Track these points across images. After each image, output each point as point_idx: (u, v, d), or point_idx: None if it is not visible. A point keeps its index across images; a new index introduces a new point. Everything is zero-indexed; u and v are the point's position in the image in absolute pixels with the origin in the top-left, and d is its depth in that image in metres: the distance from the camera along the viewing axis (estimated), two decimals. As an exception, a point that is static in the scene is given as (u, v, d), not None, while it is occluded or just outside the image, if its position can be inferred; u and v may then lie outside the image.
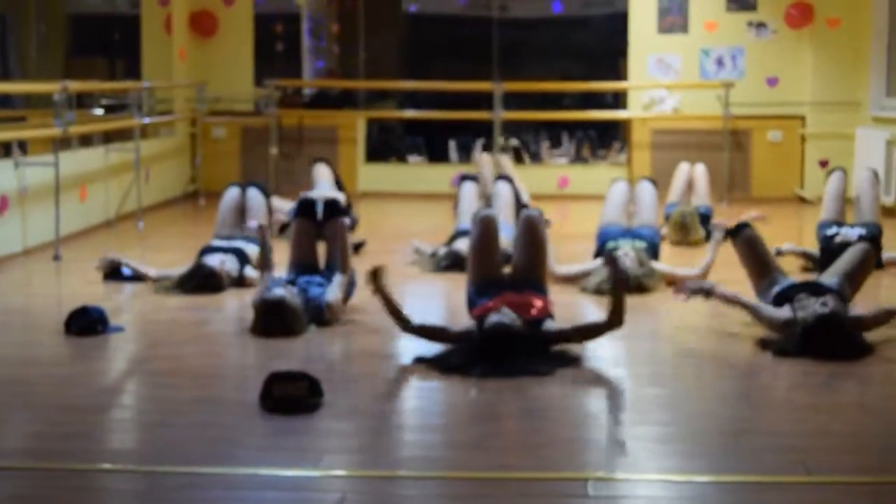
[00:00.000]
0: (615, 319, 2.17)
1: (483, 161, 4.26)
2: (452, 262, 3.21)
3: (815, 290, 2.38)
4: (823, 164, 4.87)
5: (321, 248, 2.76)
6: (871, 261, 2.56)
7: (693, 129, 5.20)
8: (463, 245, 3.06)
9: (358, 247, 3.51)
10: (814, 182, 5.00)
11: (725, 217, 3.86)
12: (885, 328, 2.40)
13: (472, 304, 2.34)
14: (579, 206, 4.87)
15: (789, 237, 3.42)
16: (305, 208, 2.76)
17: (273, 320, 2.44)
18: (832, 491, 1.56)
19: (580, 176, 5.36)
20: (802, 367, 2.20)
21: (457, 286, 2.59)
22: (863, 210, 3.35)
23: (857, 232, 3.20)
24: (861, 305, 2.42)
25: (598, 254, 3.14)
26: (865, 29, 5.00)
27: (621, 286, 2.19)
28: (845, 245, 2.88)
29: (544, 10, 6.13)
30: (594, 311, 2.56)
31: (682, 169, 4.18)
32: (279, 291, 2.46)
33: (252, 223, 3.03)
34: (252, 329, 2.48)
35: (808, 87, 5.14)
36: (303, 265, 2.69)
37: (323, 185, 3.87)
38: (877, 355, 2.27)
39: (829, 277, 2.48)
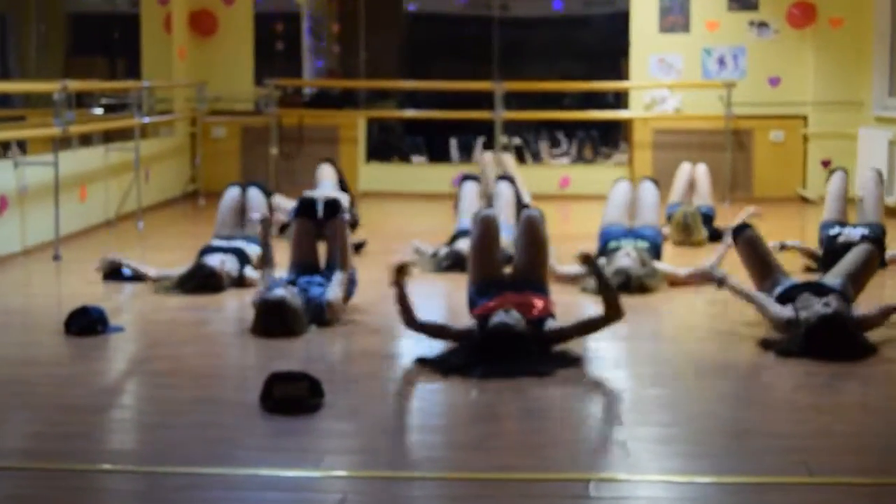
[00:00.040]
0: (612, 314, 2.17)
1: (485, 160, 4.26)
2: (453, 262, 3.21)
3: (818, 290, 2.38)
4: (826, 163, 4.87)
5: (322, 248, 2.75)
6: (875, 261, 2.55)
7: (695, 129, 5.19)
8: (464, 245, 3.06)
9: (358, 247, 3.51)
10: (816, 182, 4.99)
11: (727, 217, 3.91)
12: (889, 329, 2.40)
13: (472, 304, 2.34)
14: (581, 206, 4.87)
15: (791, 237, 3.38)
16: (306, 208, 2.75)
17: (273, 321, 2.43)
18: (834, 492, 1.56)
19: (581, 176, 5.35)
20: (805, 367, 2.19)
21: (458, 286, 2.59)
22: (866, 210, 3.34)
23: (859, 232, 3.19)
24: (864, 305, 2.41)
25: (600, 254, 3.14)
26: (868, 29, 4.99)
27: (600, 280, 2.18)
28: (848, 245, 2.88)
29: (545, 10, 6.12)
30: (595, 310, 2.55)
31: (684, 169, 4.18)
32: (280, 292, 2.46)
33: (255, 214, 3.01)
34: (252, 329, 2.48)
35: (810, 86, 5.13)
36: (303, 265, 2.69)
37: (325, 186, 3.87)
38: (879, 356, 2.26)
39: (833, 278, 2.47)
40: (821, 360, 2.20)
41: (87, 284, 3.07)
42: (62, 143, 3.81)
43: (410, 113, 5.81)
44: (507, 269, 2.47)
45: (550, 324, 2.23)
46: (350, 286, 2.67)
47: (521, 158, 5.36)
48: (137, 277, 3.09)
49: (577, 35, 6.04)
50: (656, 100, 5.27)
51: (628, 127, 5.40)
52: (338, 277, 2.59)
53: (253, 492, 1.57)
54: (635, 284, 2.89)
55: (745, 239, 2.57)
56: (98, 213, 4.17)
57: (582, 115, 5.55)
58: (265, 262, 2.65)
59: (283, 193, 4.14)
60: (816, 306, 2.28)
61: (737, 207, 4.29)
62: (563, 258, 3.12)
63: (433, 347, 2.26)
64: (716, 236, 3.76)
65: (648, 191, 3.40)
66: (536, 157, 5.71)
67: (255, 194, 3.31)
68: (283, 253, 2.82)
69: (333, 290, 2.56)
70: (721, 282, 2.44)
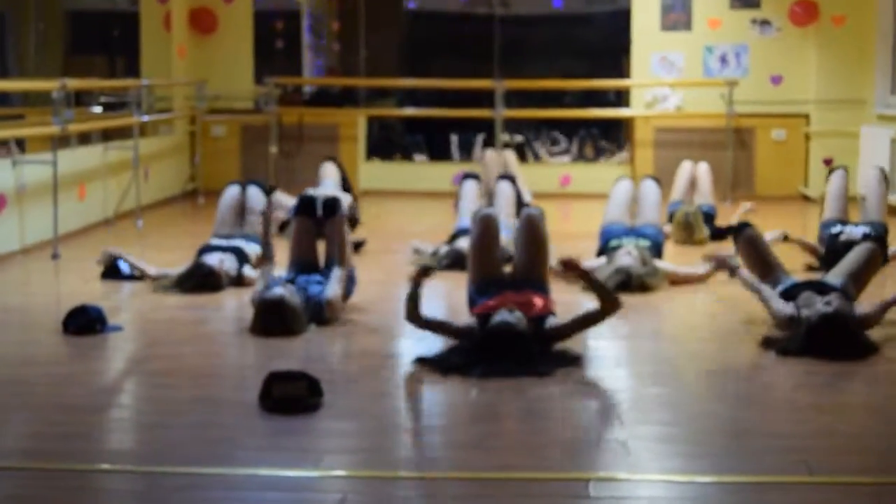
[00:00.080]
0: (609, 306, 2.16)
1: (487, 158, 4.23)
2: (453, 261, 3.20)
3: (820, 289, 2.37)
4: (828, 162, 4.85)
5: (321, 247, 2.74)
6: (878, 260, 2.54)
7: (696, 127, 5.18)
8: (464, 244, 3.06)
9: (358, 245, 3.50)
10: (818, 181, 4.97)
11: (728, 216, 3.89)
12: (890, 328, 2.40)
13: (472, 303, 2.34)
14: (581, 204, 4.86)
15: (794, 236, 3.38)
16: (305, 206, 2.74)
17: (273, 320, 2.43)
18: (834, 491, 1.55)
19: (582, 174, 5.34)
20: (805, 366, 2.19)
21: (458, 285, 2.58)
22: (869, 208, 3.33)
23: (861, 230, 3.18)
24: (864, 304, 2.40)
25: (601, 252, 3.13)
26: (870, 27, 4.97)
27: (587, 279, 2.17)
28: (850, 244, 2.87)
29: (546, 7, 6.11)
30: (593, 305, 2.53)
31: (685, 167, 4.17)
32: (279, 291, 2.45)
33: (254, 207, 2.99)
34: (251, 328, 2.47)
35: (812, 85, 5.12)
36: (302, 263, 2.68)
37: (327, 185, 3.85)
38: (881, 355, 2.26)
39: (834, 277, 2.47)
40: (822, 360, 2.20)
41: (85, 283, 3.07)
42: (61, 141, 3.80)
43: (410, 111, 5.81)
44: (508, 269, 2.46)
45: (551, 322, 2.22)
46: (349, 285, 2.66)
47: (522, 156, 5.34)
48: (136, 276, 3.08)
49: (578, 33, 6.02)
50: (658, 98, 5.26)
51: (630, 125, 5.39)
52: (336, 274, 2.58)
53: (252, 492, 1.56)
54: (636, 283, 2.88)
55: (746, 238, 2.57)
56: (97, 211, 4.16)
57: (583, 114, 5.54)
58: (265, 258, 2.65)
59: (283, 192, 4.15)
60: (818, 305, 2.28)
61: (738, 206, 4.28)
62: (563, 256, 3.13)
63: (432, 347, 2.26)
64: (717, 235, 3.76)
65: (650, 189, 3.40)
66: (538, 156, 5.70)
67: (254, 193, 3.30)
68: (282, 252, 2.82)
69: (332, 288, 2.54)
70: (733, 271, 2.43)
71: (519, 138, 5.59)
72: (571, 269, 2.19)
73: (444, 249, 3.34)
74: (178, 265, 3.03)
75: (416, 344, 2.32)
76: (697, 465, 1.65)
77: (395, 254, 3.57)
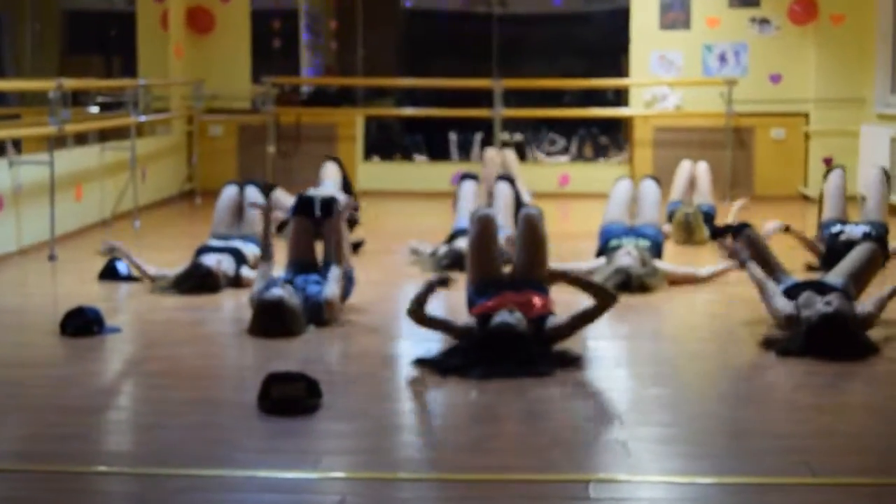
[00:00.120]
0: (604, 303, 2.16)
1: (488, 157, 4.22)
2: (453, 262, 3.19)
3: (820, 288, 2.37)
4: (827, 161, 4.84)
5: (319, 247, 2.74)
6: (878, 260, 2.54)
7: (695, 126, 5.17)
8: (463, 244, 3.04)
9: (357, 246, 3.49)
10: (818, 180, 4.92)
11: (726, 215, 3.87)
12: (891, 328, 2.39)
13: (471, 304, 2.33)
14: (580, 204, 4.85)
15: (791, 238, 3.36)
16: (304, 206, 2.73)
17: (271, 321, 2.42)
18: (835, 492, 1.55)
19: (581, 174, 5.33)
20: (806, 367, 2.18)
21: (457, 285, 2.55)
22: (869, 208, 3.32)
23: (861, 230, 3.17)
24: (865, 302, 2.38)
25: (600, 252, 3.13)
26: (870, 25, 4.97)
27: (577, 284, 2.18)
28: (850, 243, 2.87)
29: (544, 6, 6.10)
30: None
31: (684, 167, 4.16)
32: (277, 291, 2.44)
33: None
34: (250, 329, 2.46)
35: (811, 84, 5.11)
36: (301, 263, 2.67)
37: (327, 185, 3.83)
38: (881, 355, 2.25)
39: (835, 277, 2.46)
40: (822, 360, 2.19)
41: (82, 284, 3.06)
42: (58, 141, 3.78)
43: (409, 111, 5.80)
44: (507, 269, 2.46)
45: (551, 321, 2.22)
46: (348, 285, 2.64)
47: (521, 155, 5.32)
48: (133, 278, 3.07)
49: (577, 32, 6.02)
50: (657, 97, 5.25)
51: (629, 124, 5.38)
52: (334, 273, 2.56)
53: (251, 493, 1.56)
54: (636, 283, 2.88)
55: (745, 239, 2.56)
56: (94, 212, 4.15)
57: (582, 113, 5.53)
58: (265, 257, 2.63)
59: (283, 191, 4.13)
60: (818, 305, 2.27)
61: (742, 209, 4.27)
62: (563, 256, 3.12)
63: (432, 349, 2.25)
64: (717, 235, 3.77)
65: (650, 189, 3.39)
66: (535, 157, 5.69)
67: (252, 193, 3.29)
68: (280, 252, 2.80)
69: (330, 288, 2.53)
70: (744, 263, 2.43)
71: (519, 137, 5.57)
72: (558, 280, 2.19)
73: (442, 249, 3.33)
74: (175, 266, 3.02)
75: (416, 345, 2.31)
76: (698, 466, 1.64)
77: (393, 254, 3.56)
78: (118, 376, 2.29)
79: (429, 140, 5.75)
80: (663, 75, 5.21)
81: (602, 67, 5.51)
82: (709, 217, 3.88)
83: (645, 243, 3.08)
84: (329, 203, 2.72)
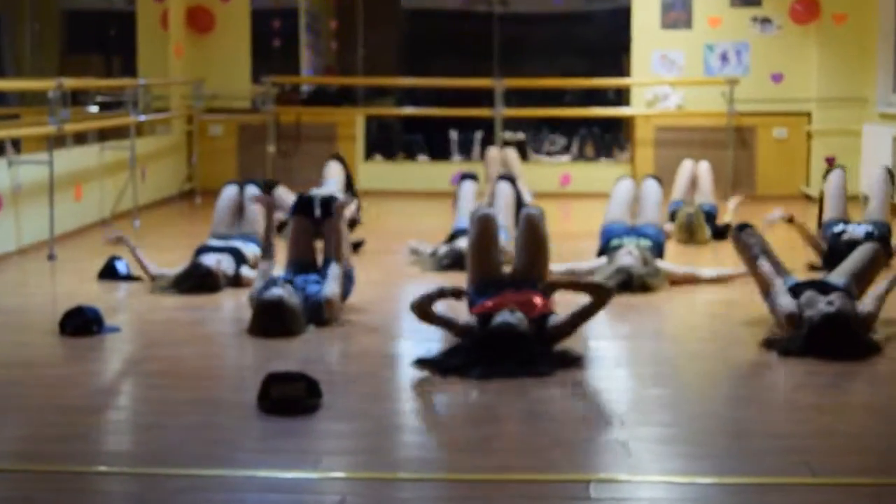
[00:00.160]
0: (599, 299, 2.16)
1: (490, 157, 4.20)
2: (453, 261, 3.19)
3: (823, 288, 2.36)
4: (829, 160, 4.83)
5: (319, 246, 2.73)
6: (881, 260, 2.53)
7: (697, 126, 5.16)
8: (464, 244, 3.03)
9: (357, 246, 3.48)
10: (820, 180, 4.91)
11: (727, 216, 3.86)
12: (891, 328, 2.38)
13: (471, 304, 2.32)
14: (581, 204, 4.84)
15: (794, 236, 3.35)
16: (303, 205, 2.73)
17: (271, 320, 2.41)
18: (836, 492, 1.55)
19: (582, 174, 5.32)
20: (807, 367, 2.18)
21: (457, 285, 2.55)
22: (873, 207, 3.31)
23: (864, 229, 3.16)
24: (866, 300, 2.37)
25: (601, 252, 3.12)
26: (872, 24, 4.95)
27: (572, 287, 2.18)
28: (853, 243, 2.86)
29: (545, 5, 6.09)
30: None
31: (686, 166, 4.15)
32: (277, 291, 2.44)
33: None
34: (250, 329, 2.46)
35: (813, 83, 5.10)
36: (300, 263, 2.67)
37: (330, 185, 3.82)
38: (882, 355, 2.25)
39: (837, 276, 2.45)
40: (823, 360, 2.19)
41: (82, 284, 3.06)
42: (57, 141, 3.78)
43: (409, 110, 5.79)
44: (507, 268, 2.45)
45: (552, 320, 2.21)
46: (347, 284, 2.64)
47: (523, 154, 5.31)
48: (133, 277, 3.07)
49: (578, 31, 6.01)
50: (658, 97, 5.24)
51: (630, 124, 5.37)
52: (333, 272, 2.55)
53: (250, 493, 1.55)
54: (637, 283, 2.87)
55: (745, 238, 2.55)
56: (93, 212, 4.15)
57: (583, 113, 5.52)
58: (266, 253, 2.62)
59: (285, 188, 4.09)
60: (820, 305, 2.26)
61: (739, 205, 4.27)
62: (564, 256, 3.11)
63: (432, 349, 2.25)
64: (719, 234, 3.75)
65: (651, 189, 3.38)
66: (537, 154, 5.68)
67: (252, 193, 3.28)
68: (280, 252, 2.80)
69: (330, 286, 2.53)
70: (756, 258, 2.43)
71: (521, 135, 5.57)
72: (556, 289, 2.19)
73: (442, 249, 3.33)
74: (175, 265, 3.02)
75: (416, 345, 2.31)
76: (698, 466, 1.64)
77: (393, 254, 3.55)
78: (118, 376, 2.29)
79: (429, 139, 5.74)
80: (665, 75, 5.20)
81: (603, 67, 5.50)
82: (710, 217, 3.87)
83: (646, 243, 3.07)
84: (328, 202, 2.71)
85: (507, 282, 2.33)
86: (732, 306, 2.73)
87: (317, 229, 2.74)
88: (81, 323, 2.44)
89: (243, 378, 2.13)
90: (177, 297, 2.86)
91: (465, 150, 5.64)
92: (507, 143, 5.04)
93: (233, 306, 2.79)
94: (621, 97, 5.56)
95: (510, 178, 3.60)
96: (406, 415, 1.97)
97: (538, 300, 2.24)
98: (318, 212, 2.72)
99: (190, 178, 5.18)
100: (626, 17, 5.23)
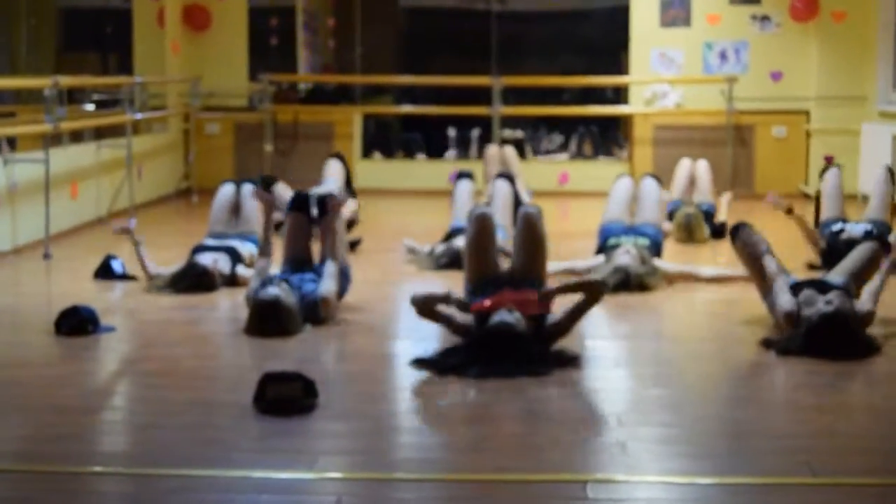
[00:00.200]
0: (592, 296, 2.15)
1: (490, 155, 4.20)
2: (451, 260, 3.18)
3: (821, 287, 2.35)
4: (829, 159, 4.82)
5: (315, 245, 2.72)
6: (880, 259, 2.52)
7: (696, 124, 5.14)
8: (461, 242, 3.03)
9: (354, 245, 3.47)
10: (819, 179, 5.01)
11: (726, 214, 3.87)
12: (891, 328, 2.37)
13: (469, 303, 2.30)
14: (580, 202, 4.83)
15: (792, 235, 3.35)
16: (299, 203, 2.71)
17: (267, 320, 2.40)
18: (837, 493, 1.54)
19: (581, 172, 5.31)
20: (807, 367, 2.17)
21: (455, 284, 2.55)
22: (872, 206, 3.31)
23: (862, 228, 3.16)
24: (864, 299, 2.35)
25: (599, 250, 3.11)
26: (872, 22, 4.94)
27: (565, 291, 2.17)
28: (851, 242, 2.85)
29: (544, 3, 6.08)
30: (595, 307, 2.53)
31: (684, 165, 4.15)
32: (273, 290, 2.43)
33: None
34: (246, 329, 2.44)
35: (813, 81, 5.09)
36: (296, 260, 2.66)
37: (329, 183, 3.81)
38: (882, 355, 2.24)
39: (836, 276, 2.45)
40: (823, 360, 2.18)
41: (77, 283, 3.04)
42: (53, 139, 3.75)
43: (407, 108, 5.77)
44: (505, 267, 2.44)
45: (551, 318, 2.21)
46: (344, 281, 2.62)
47: (521, 153, 5.28)
48: (128, 276, 3.05)
49: (577, 29, 5.99)
50: (657, 95, 5.22)
51: (628, 122, 5.36)
52: (329, 269, 2.54)
53: (246, 494, 1.54)
54: (635, 282, 2.86)
55: (743, 238, 2.54)
56: (90, 210, 4.13)
57: (581, 111, 5.51)
58: (264, 250, 2.61)
59: (286, 186, 4.05)
60: (819, 304, 2.26)
61: (739, 204, 4.26)
62: (562, 255, 3.09)
63: (429, 348, 2.24)
64: (717, 233, 3.74)
65: (650, 188, 3.37)
66: (536, 153, 5.65)
67: (249, 191, 3.27)
68: (277, 250, 2.78)
69: (326, 285, 2.51)
70: (762, 256, 2.41)
71: (519, 134, 5.55)
72: (551, 297, 2.19)
73: (440, 248, 3.31)
74: (171, 264, 3.01)
75: (413, 345, 2.30)
76: (698, 467, 1.63)
77: (390, 253, 3.54)
78: (113, 376, 2.28)
79: (427, 138, 5.73)
80: (663, 73, 5.18)
81: (602, 65, 5.49)
82: (709, 216, 3.86)
83: (644, 242, 3.06)
84: (325, 200, 2.70)
85: (504, 281, 2.32)
86: (732, 306, 2.73)
87: (313, 227, 2.72)
88: (77, 322, 2.43)
89: (239, 378, 2.11)
90: (173, 296, 2.85)
91: (463, 148, 5.62)
92: (505, 142, 5.02)
93: (229, 306, 2.78)
94: (620, 95, 5.54)
95: (508, 177, 3.59)
96: (403, 415, 1.96)
97: (536, 299, 2.24)
98: (314, 210, 2.70)
99: (186, 176, 5.16)
100: (625, 14, 5.21)
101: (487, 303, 2.19)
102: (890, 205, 3.35)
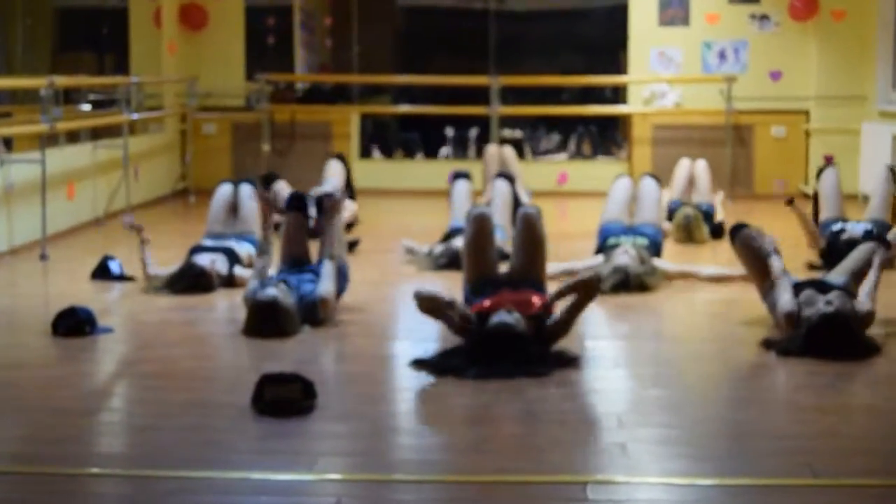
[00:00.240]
0: (588, 293, 2.14)
1: (489, 155, 4.18)
2: (450, 261, 3.17)
3: (822, 287, 2.35)
4: (828, 159, 4.83)
5: (314, 246, 2.71)
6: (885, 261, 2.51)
7: (695, 124, 5.13)
8: (460, 243, 3.01)
9: (352, 245, 3.46)
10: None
11: (727, 214, 3.87)
12: (892, 328, 2.37)
13: (468, 304, 2.31)
14: (579, 202, 4.83)
15: (792, 235, 3.35)
16: (297, 202, 2.71)
17: (265, 321, 2.40)
18: (838, 494, 1.54)
19: (579, 172, 5.30)
20: (807, 367, 2.17)
21: (454, 284, 2.55)
22: (873, 205, 3.30)
23: (862, 227, 3.15)
24: (862, 297, 2.35)
25: (598, 251, 3.11)
26: (871, 21, 4.93)
27: (560, 295, 2.16)
28: (852, 242, 2.84)
29: (542, 2, 6.07)
30: (594, 308, 2.54)
31: (683, 165, 4.14)
32: (271, 291, 2.42)
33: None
34: (244, 330, 2.44)
35: (812, 80, 5.08)
36: (294, 260, 2.65)
37: (330, 184, 3.80)
38: (883, 355, 2.23)
39: (836, 276, 2.44)
40: (824, 361, 2.17)
41: (74, 284, 3.03)
42: (49, 140, 3.75)
43: (405, 108, 5.76)
44: (504, 267, 2.43)
45: (551, 318, 2.20)
46: (342, 280, 2.61)
47: (520, 153, 5.27)
48: (126, 277, 3.04)
49: (575, 28, 5.98)
50: (656, 94, 5.21)
51: (627, 122, 5.35)
52: (327, 269, 2.53)
53: (245, 496, 1.54)
54: (634, 283, 2.85)
55: (743, 238, 2.53)
56: (86, 211, 4.11)
57: (580, 111, 5.50)
58: (263, 249, 2.60)
59: (286, 183, 3.99)
60: (819, 304, 2.25)
61: (738, 204, 4.26)
62: (561, 256, 3.09)
63: (428, 349, 2.23)
64: (716, 233, 3.74)
65: (649, 187, 3.36)
66: (535, 153, 5.65)
67: (247, 191, 3.26)
68: (276, 252, 2.78)
69: (324, 285, 2.50)
70: (769, 256, 2.41)
71: (518, 133, 5.54)
72: (552, 305, 2.18)
73: (438, 249, 3.31)
74: (169, 265, 3.00)
75: (413, 346, 2.30)
76: (698, 468, 1.63)
77: (389, 253, 3.54)
78: (111, 377, 2.27)
79: (425, 137, 5.72)
80: (662, 72, 5.17)
81: (600, 64, 5.48)
82: (708, 216, 3.86)
83: (643, 242, 3.05)
84: (322, 200, 2.69)
85: (503, 281, 2.32)
86: (732, 306, 2.72)
87: (311, 227, 2.71)
88: (74, 324, 2.42)
89: (238, 379, 2.10)
90: (170, 297, 2.84)
91: (461, 148, 5.61)
92: (505, 141, 5.02)
93: (227, 307, 2.77)
94: (618, 95, 5.52)
95: (508, 177, 3.58)
96: (402, 416, 1.95)
97: (536, 300, 2.23)
98: (312, 211, 2.69)
99: (183, 176, 5.14)
100: (624, 14, 5.20)
101: (487, 303, 2.19)
102: (891, 204, 3.35)
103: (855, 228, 3.16)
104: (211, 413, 1.89)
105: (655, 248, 3.10)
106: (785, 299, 2.32)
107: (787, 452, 1.69)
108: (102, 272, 3.08)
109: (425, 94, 5.78)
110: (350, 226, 3.64)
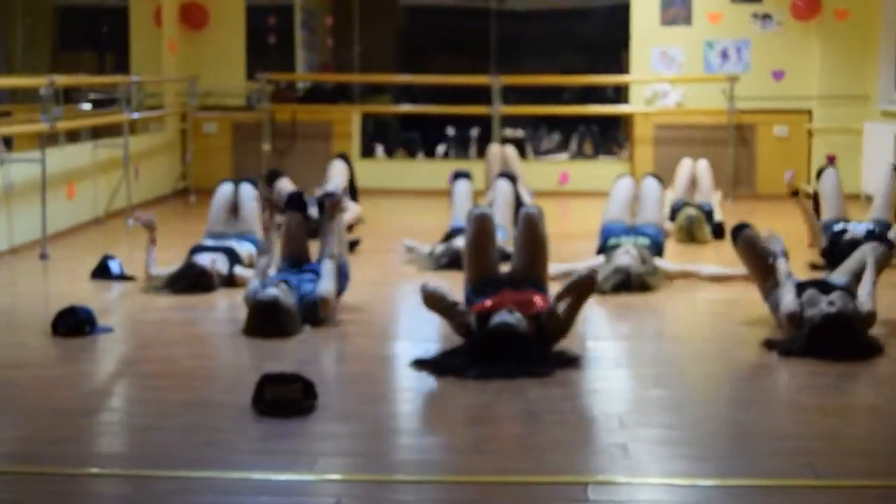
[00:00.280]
0: (583, 294, 2.14)
1: (491, 155, 4.18)
2: (451, 261, 3.16)
3: (824, 287, 2.34)
4: (831, 159, 4.81)
5: (314, 245, 2.71)
6: (883, 259, 2.50)
7: (697, 123, 5.12)
8: (461, 243, 3.01)
9: (353, 245, 3.45)
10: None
11: (728, 214, 3.87)
12: (893, 328, 2.37)
13: (469, 304, 2.30)
14: (580, 202, 4.82)
15: (794, 234, 3.35)
16: (297, 201, 2.70)
17: (266, 321, 2.39)
18: (840, 495, 1.53)
19: (581, 172, 5.29)
20: (809, 368, 2.16)
21: (455, 284, 2.53)
22: (877, 205, 3.29)
23: (865, 227, 3.15)
24: (862, 297, 2.34)
25: (600, 251, 3.10)
26: (874, 21, 4.92)
27: (559, 298, 2.16)
28: (854, 242, 2.84)
29: (543, 2, 6.06)
30: (596, 308, 2.53)
31: (685, 165, 4.14)
32: (272, 291, 2.42)
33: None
34: (245, 330, 2.43)
35: (815, 80, 5.07)
36: (294, 259, 2.65)
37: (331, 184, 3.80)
38: (885, 356, 2.23)
39: (839, 276, 2.44)
40: (826, 361, 2.17)
41: (74, 284, 3.03)
42: (49, 139, 3.74)
43: (406, 107, 5.75)
44: (505, 267, 2.43)
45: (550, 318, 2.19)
46: (342, 279, 2.60)
47: (522, 153, 5.25)
48: (126, 277, 3.04)
49: (577, 28, 5.97)
50: (658, 94, 5.20)
51: (629, 122, 5.34)
52: (327, 269, 2.52)
53: (245, 496, 1.53)
54: (636, 283, 2.85)
55: (744, 238, 2.52)
56: (86, 210, 4.11)
57: (581, 110, 5.49)
58: (265, 248, 2.60)
59: (289, 181, 3.94)
60: (822, 304, 2.24)
61: (740, 204, 4.24)
62: (562, 256, 3.08)
63: (429, 349, 2.23)
64: (718, 233, 3.74)
65: (651, 187, 3.36)
66: (536, 153, 5.64)
67: (247, 191, 3.25)
68: (277, 252, 2.78)
69: (325, 285, 2.50)
70: (776, 258, 2.40)
71: (520, 133, 5.53)
72: (552, 314, 2.17)
73: (439, 248, 3.30)
74: (169, 265, 3.00)
75: (413, 346, 2.29)
76: (700, 469, 1.62)
77: (390, 253, 3.53)
78: (111, 377, 2.26)
79: (426, 137, 5.71)
80: (664, 72, 5.16)
81: (602, 64, 5.46)
82: (710, 216, 3.86)
83: (644, 242, 3.04)
84: (323, 200, 2.68)
85: (505, 281, 2.32)
86: (733, 306, 2.72)
87: (311, 226, 2.71)
88: (74, 323, 2.41)
89: (238, 379, 2.10)
90: (171, 297, 2.83)
91: (462, 148, 5.60)
92: (506, 141, 5.00)
93: (227, 306, 2.77)
94: (620, 95, 5.52)
95: (510, 176, 3.57)
96: (403, 416, 1.95)
97: (538, 300, 2.22)
98: (312, 210, 2.69)
99: (184, 176, 5.14)
100: (625, 13, 5.19)
101: (488, 303, 2.19)
102: (894, 204, 3.34)
103: (857, 228, 3.16)
104: (211, 413, 1.88)
105: (657, 248, 3.09)
106: (788, 300, 2.31)
107: (789, 453, 1.68)
108: (102, 272, 3.08)
109: (426, 93, 5.77)
110: (351, 227, 3.62)
